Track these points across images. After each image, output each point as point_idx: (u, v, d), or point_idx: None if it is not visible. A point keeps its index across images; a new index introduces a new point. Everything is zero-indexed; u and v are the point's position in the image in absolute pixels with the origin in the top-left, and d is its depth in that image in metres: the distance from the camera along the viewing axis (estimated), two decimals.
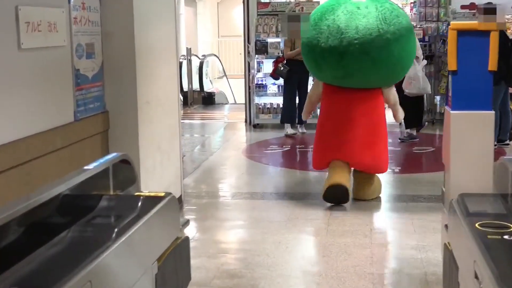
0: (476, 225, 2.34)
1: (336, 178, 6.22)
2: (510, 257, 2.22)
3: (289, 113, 10.53)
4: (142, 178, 5.09)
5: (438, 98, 11.36)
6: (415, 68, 8.73)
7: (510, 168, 2.63)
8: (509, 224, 2.43)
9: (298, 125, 10.63)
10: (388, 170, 7.56)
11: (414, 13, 11.58)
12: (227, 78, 17.82)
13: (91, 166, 2.36)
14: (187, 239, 2.74)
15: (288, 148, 9.49)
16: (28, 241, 2.00)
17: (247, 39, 11.49)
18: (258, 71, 11.53)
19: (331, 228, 5.60)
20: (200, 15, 22.88)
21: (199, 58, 16.47)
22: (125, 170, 2.60)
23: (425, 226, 5.62)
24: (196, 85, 15.32)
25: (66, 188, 2.17)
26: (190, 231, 5.51)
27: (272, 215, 6.09)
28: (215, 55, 19.29)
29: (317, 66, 6.40)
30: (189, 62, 14.99)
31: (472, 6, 10.68)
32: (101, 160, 2.46)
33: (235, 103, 15.89)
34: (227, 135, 11.04)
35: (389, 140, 7.61)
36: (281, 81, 10.88)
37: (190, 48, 15.42)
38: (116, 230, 2.15)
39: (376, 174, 6.62)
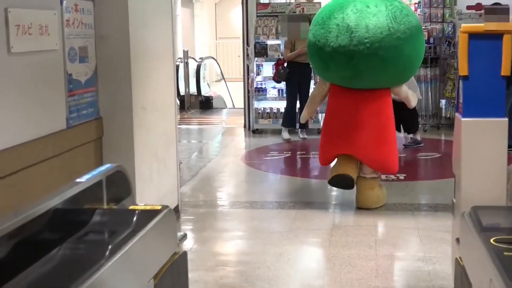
0: (491, 240, 2.28)
1: (342, 168, 6.36)
2: None
3: (289, 117, 10.50)
4: (137, 187, 5.04)
5: (443, 102, 11.32)
6: None
7: None
8: None
9: (299, 130, 10.59)
10: (393, 176, 7.54)
11: (418, 14, 11.52)
12: (225, 82, 17.80)
13: (83, 179, 2.30)
14: (184, 254, 2.68)
15: (289, 155, 9.44)
16: (16, 260, 1.94)
17: (246, 41, 11.44)
18: (258, 74, 11.48)
19: (334, 239, 5.55)
20: (197, 17, 22.86)
21: (196, 61, 16.44)
22: (120, 182, 2.54)
23: (432, 236, 5.57)
24: (193, 89, 15.28)
25: (57, 202, 2.11)
26: (187, 243, 5.45)
27: (273, 225, 6.04)
28: (212, 57, 19.26)
29: (325, 66, 6.37)
30: (186, 65, 14.96)
31: (478, 6, 10.66)
32: (94, 172, 2.40)
33: (234, 107, 15.87)
34: (226, 141, 10.98)
35: None
36: (282, 85, 10.85)
37: (187, 51, 15.40)
38: (110, 247, 2.08)
39: (381, 183, 6.59)
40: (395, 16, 6.05)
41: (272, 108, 11.34)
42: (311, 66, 10.05)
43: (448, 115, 11.20)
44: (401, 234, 5.83)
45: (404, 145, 9.56)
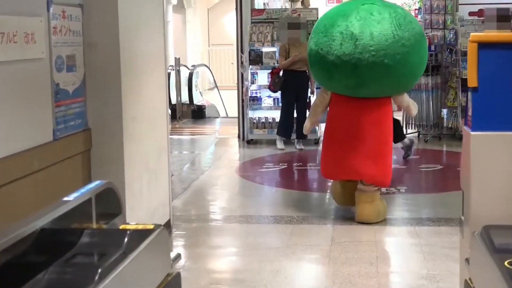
0: (506, 263, 2.23)
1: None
2: None
3: (284, 127, 10.48)
4: (127, 201, 4.98)
5: (445, 111, 11.30)
6: None
7: None
8: None
9: (296, 141, 10.56)
10: (394, 189, 7.51)
11: (419, 20, 11.52)
12: (218, 90, 17.77)
13: (71, 197, 2.24)
14: (178, 275, 2.62)
15: (285, 166, 9.40)
16: None
17: (240, 49, 11.41)
18: (252, 82, 11.44)
19: (333, 255, 5.50)
20: (189, 23, 22.84)
21: (189, 69, 16.42)
22: (110, 200, 2.48)
23: (435, 252, 5.54)
24: (185, 98, 15.25)
25: (43, 223, 2.05)
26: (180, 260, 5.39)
27: (269, 241, 5.99)
28: (205, 65, 19.24)
29: (328, 75, 6.40)
30: (178, 73, 14.92)
31: (481, 13, 10.66)
32: (83, 190, 2.34)
33: (227, 117, 15.83)
34: (219, 152, 10.94)
35: (394, 157, 7.57)
36: (278, 94, 10.81)
37: (179, 58, 15.36)
38: (100, 270, 2.02)
39: (382, 197, 6.58)
40: (399, 24, 6.13)
41: (267, 117, 11.29)
42: (308, 74, 10.09)
43: (450, 125, 11.17)
44: (403, 250, 5.81)
45: (403, 157, 9.51)
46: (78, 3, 4.82)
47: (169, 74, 13.69)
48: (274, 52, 11.14)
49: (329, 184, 7.52)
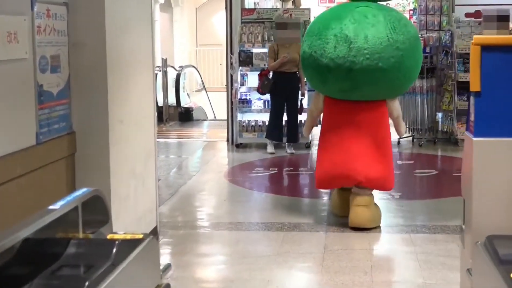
0: None
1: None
2: None
3: (274, 130, 10.45)
4: (113, 208, 4.91)
5: (440, 115, 11.31)
6: None
7: None
8: None
9: (286, 145, 10.54)
10: (388, 196, 7.51)
11: (414, 22, 11.55)
12: (206, 92, 17.73)
13: (57, 206, 2.20)
14: (167, 287, 2.58)
15: (275, 171, 9.37)
16: None
17: (229, 49, 11.38)
18: (242, 84, 11.41)
19: (326, 264, 5.48)
20: (177, 22, 22.81)
21: (176, 70, 16.39)
22: (97, 208, 2.44)
23: (431, 261, 5.53)
24: (172, 100, 15.21)
25: (28, 233, 2.00)
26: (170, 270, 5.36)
27: (260, 249, 5.97)
28: (193, 66, 19.21)
29: (321, 78, 6.45)
30: (165, 74, 14.88)
31: (477, 14, 10.68)
32: (69, 198, 2.30)
33: (215, 119, 15.80)
34: (207, 156, 10.91)
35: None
36: (268, 96, 10.78)
37: (166, 59, 15.32)
38: (87, 283, 1.98)
39: (375, 202, 6.57)
40: (394, 27, 6.22)
41: (257, 120, 11.27)
42: (298, 75, 10.09)
43: (445, 129, 11.19)
44: (398, 259, 5.81)
45: None
46: (64, 1, 4.76)
47: (156, 75, 13.64)
48: (265, 53, 11.11)
49: (322, 190, 7.52)
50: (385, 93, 6.45)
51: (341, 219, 6.63)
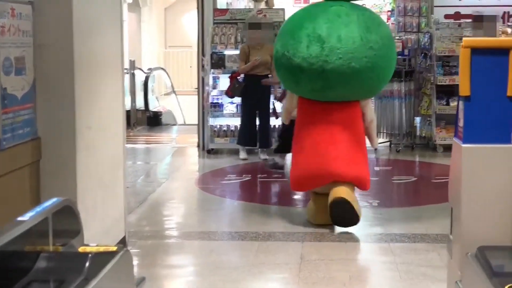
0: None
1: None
2: None
3: (246, 135, 10.45)
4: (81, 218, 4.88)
5: (418, 119, 11.38)
6: None
7: None
8: None
9: (259, 150, 10.54)
10: (366, 203, 7.52)
11: (392, 23, 11.63)
12: (175, 95, 17.69)
13: (26, 217, 2.16)
14: None
15: (248, 178, 9.36)
16: None
17: (201, 51, 11.35)
18: (214, 87, 11.39)
19: (303, 275, 5.48)
20: (145, 23, 22.75)
21: (144, 72, 16.31)
22: (68, 219, 2.41)
23: (412, 271, 5.55)
24: (140, 103, 15.14)
25: None
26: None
27: (234, 260, 5.95)
28: (162, 68, 19.16)
29: (294, 78, 6.57)
30: (132, 77, 14.81)
31: (457, 15, 10.77)
32: (39, 209, 2.26)
33: (185, 124, 15.76)
34: (177, 162, 10.89)
35: None
36: (238, 99, 10.76)
37: (134, 61, 15.27)
38: None
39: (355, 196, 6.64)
40: (367, 26, 6.36)
41: (229, 125, 11.25)
42: (270, 78, 10.08)
43: (423, 134, 11.25)
44: (378, 269, 5.81)
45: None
46: (29, 0, 4.72)
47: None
48: (238, 55, 11.11)
49: (297, 197, 7.53)
50: (358, 93, 6.58)
51: (317, 228, 6.64)
